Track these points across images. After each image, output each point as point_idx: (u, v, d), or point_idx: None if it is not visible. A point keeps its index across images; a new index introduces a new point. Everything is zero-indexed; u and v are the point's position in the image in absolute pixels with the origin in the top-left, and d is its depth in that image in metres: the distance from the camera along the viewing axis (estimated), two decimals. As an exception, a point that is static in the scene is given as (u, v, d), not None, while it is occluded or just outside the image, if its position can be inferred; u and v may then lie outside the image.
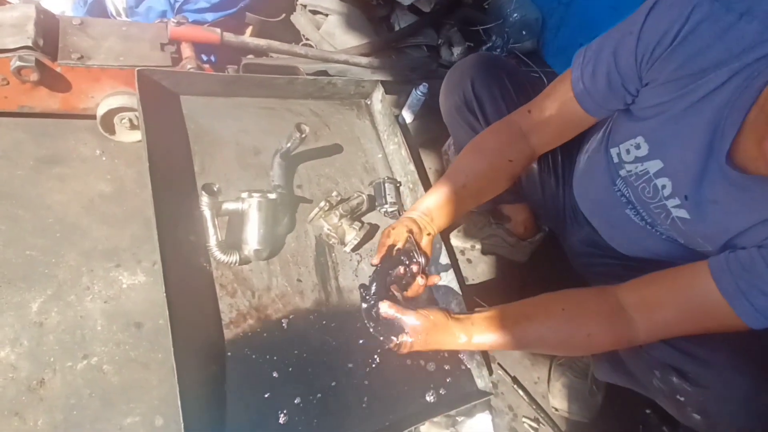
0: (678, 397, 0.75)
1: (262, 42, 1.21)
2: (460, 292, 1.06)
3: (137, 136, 1.11)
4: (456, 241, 1.33)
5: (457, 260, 1.29)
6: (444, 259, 1.11)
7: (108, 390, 0.81)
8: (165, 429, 0.81)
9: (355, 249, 1.08)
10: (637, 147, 0.76)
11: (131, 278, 0.93)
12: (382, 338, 0.78)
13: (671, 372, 0.76)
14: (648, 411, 1.20)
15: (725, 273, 0.66)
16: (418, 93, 1.48)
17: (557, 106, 0.83)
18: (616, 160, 0.82)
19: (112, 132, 1.09)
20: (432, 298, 1.08)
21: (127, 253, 0.96)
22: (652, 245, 0.85)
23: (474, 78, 0.97)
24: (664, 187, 0.75)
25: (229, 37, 1.16)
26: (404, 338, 0.77)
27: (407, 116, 1.55)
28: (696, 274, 0.69)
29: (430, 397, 0.95)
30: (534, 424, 1.07)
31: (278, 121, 1.17)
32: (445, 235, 1.30)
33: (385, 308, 0.78)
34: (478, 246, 1.33)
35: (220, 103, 1.12)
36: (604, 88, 0.75)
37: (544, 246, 1.32)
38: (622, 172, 0.82)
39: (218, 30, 1.13)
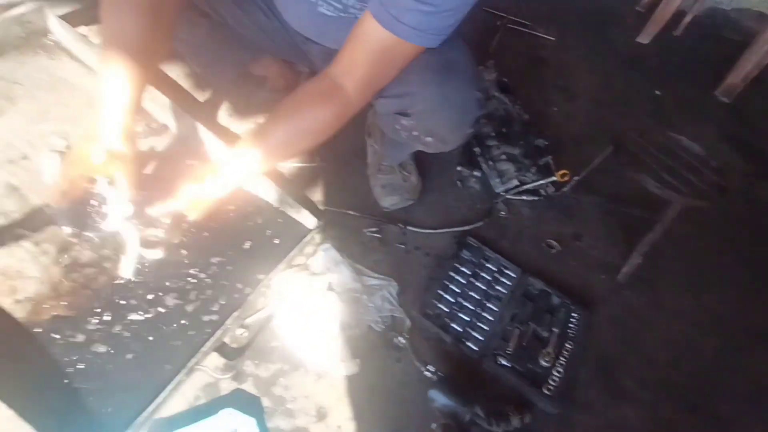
0: (413, 133, 0.89)
1: None
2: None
3: None
4: (238, 124, 1.30)
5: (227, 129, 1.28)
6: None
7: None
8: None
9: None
10: None
11: None
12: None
13: (399, 118, 0.88)
14: (459, 168, 1.40)
15: (380, 9, 0.72)
16: None
17: None
18: None
19: None
20: None
21: None
22: None
23: None
24: None
25: None
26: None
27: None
28: (366, 23, 0.75)
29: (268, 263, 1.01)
30: (375, 229, 1.20)
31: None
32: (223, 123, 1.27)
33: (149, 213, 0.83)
34: (260, 119, 1.32)
35: None
36: None
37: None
38: None
39: None
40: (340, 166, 1.29)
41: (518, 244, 1.29)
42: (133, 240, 0.83)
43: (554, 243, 1.31)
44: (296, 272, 1.06)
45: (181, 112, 1.07)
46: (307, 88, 0.85)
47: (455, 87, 0.83)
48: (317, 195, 1.24)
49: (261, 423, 0.86)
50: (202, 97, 1.32)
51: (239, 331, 0.95)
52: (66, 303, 0.85)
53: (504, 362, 1.03)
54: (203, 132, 1.07)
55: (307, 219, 1.07)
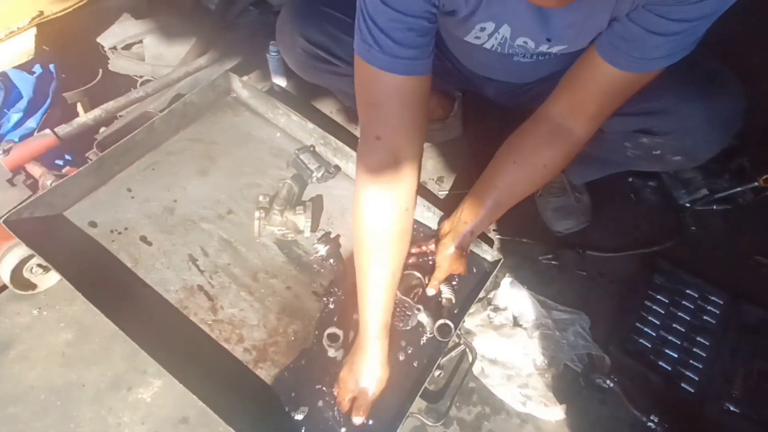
0: (654, 152, 0.81)
1: (97, 112, 1.12)
2: (429, 204, 1.06)
3: (57, 274, 1.05)
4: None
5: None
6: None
7: (200, 485, 0.84)
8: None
9: (314, 229, 1.07)
10: (482, 29, 0.76)
11: (149, 390, 0.93)
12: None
13: (638, 136, 0.81)
14: (630, 179, 1.28)
15: (616, 53, 0.67)
16: (272, 55, 1.40)
17: (384, 99, 0.73)
18: (475, 42, 0.81)
19: (33, 286, 1.03)
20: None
21: (129, 372, 0.95)
22: (555, 66, 0.87)
23: (302, 31, 0.90)
24: (525, 43, 0.75)
25: (65, 129, 1.07)
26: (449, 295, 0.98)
27: (280, 81, 1.48)
28: (593, 67, 0.71)
29: (451, 296, 1.00)
30: (550, 256, 1.13)
31: (168, 170, 1.11)
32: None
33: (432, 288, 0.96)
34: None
35: (104, 193, 1.05)
36: (417, 40, 0.69)
37: (466, 108, 1.32)
38: (488, 47, 0.81)
39: (48, 131, 1.04)
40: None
41: (718, 264, 1.14)
42: None
43: (765, 260, 1.13)
44: (480, 308, 1.04)
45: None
46: (526, 135, 0.82)
47: (724, 101, 0.73)
48: (484, 222, 1.20)
49: (476, 470, 0.85)
50: (356, 131, 1.36)
51: (436, 373, 0.95)
52: (283, 349, 0.93)
53: (732, 407, 0.91)
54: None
55: (488, 252, 1.04)
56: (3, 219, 0.89)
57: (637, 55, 0.65)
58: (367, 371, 0.83)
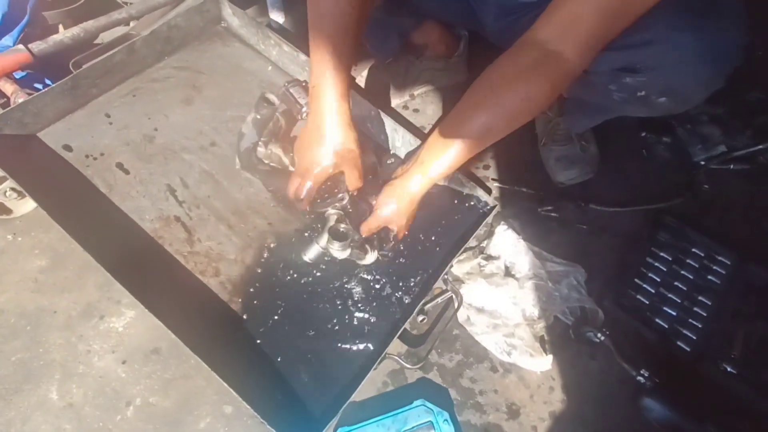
0: (638, 94, 0.73)
1: (75, 30, 1.05)
2: (397, 125, 1.00)
3: (33, 201, 1.01)
4: (393, 100, 1.25)
5: (405, 119, 1.22)
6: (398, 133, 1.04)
7: (167, 415, 0.82)
8: (237, 412, 0.82)
9: (301, 165, 1.01)
10: None
11: (121, 319, 0.90)
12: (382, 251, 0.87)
13: (622, 76, 0.72)
14: (644, 134, 1.19)
15: None
16: (269, -15, 1.31)
17: None
18: None
19: (7, 211, 0.99)
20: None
21: (102, 301, 0.92)
22: None
23: None
24: None
25: (39, 45, 1.00)
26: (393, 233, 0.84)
27: (278, 17, 1.39)
28: None
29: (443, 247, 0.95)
30: (550, 207, 1.07)
31: (150, 97, 1.05)
32: (382, 101, 1.22)
33: (362, 233, 0.82)
34: (416, 91, 1.25)
35: (81, 117, 1.00)
36: None
37: (472, 52, 1.24)
38: None
39: (21, 46, 0.98)
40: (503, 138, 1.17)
41: (729, 224, 1.07)
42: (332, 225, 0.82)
43: (780, 223, 1.06)
44: (471, 256, 0.99)
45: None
46: (506, 62, 0.71)
47: (718, 31, 0.65)
48: (481, 170, 1.14)
49: (453, 416, 0.82)
50: (354, 72, 1.28)
51: (419, 318, 0.91)
52: (260, 286, 0.89)
53: (729, 368, 0.86)
54: (373, 112, 1.02)
55: (483, 199, 0.98)
56: (-32, 132, 0.84)
57: None
58: (341, 131, 0.76)
